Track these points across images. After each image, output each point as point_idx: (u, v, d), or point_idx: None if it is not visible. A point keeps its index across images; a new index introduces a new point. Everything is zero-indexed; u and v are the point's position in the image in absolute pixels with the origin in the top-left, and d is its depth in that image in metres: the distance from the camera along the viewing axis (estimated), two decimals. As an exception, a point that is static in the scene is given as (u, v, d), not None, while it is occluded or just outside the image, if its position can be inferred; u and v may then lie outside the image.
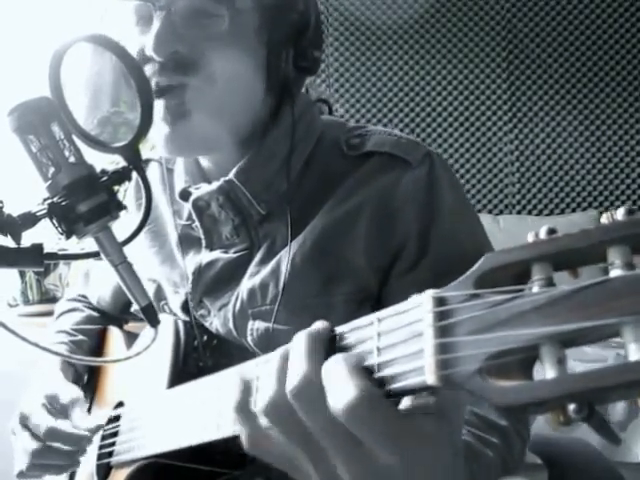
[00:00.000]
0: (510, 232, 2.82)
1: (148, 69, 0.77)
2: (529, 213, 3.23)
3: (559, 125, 3.24)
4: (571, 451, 0.96)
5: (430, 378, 0.38)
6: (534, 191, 3.25)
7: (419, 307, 0.40)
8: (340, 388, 0.42)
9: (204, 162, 0.90)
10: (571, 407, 0.33)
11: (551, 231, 0.36)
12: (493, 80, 3.28)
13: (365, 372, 0.42)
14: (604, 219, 0.34)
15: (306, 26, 0.82)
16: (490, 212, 3.21)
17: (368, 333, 0.44)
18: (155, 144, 0.83)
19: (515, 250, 0.36)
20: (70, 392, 0.94)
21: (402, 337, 0.41)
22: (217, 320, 0.88)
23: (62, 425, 0.88)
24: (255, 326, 0.83)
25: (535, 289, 0.35)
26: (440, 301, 0.39)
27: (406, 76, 3.31)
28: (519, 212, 3.23)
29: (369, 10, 3.31)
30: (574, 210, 3.21)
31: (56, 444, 0.88)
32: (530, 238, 0.36)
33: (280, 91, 0.85)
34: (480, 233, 0.85)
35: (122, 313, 1.16)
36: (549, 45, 3.28)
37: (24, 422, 0.90)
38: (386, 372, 0.42)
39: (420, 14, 3.29)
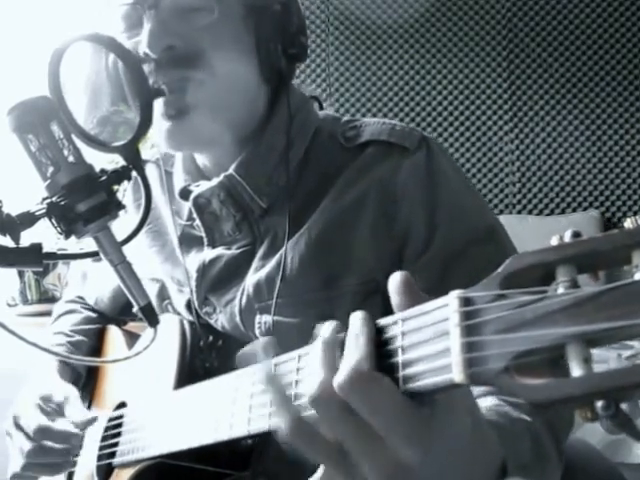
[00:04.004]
0: (510, 232, 2.81)
1: (144, 70, 0.77)
2: (529, 213, 3.23)
3: (560, 125, 3.24)
4: (572, 451, 0.95)
5: (457, 376, 0.38)
6: (535, 191, 3.24)
7: (445, 307, 0.41)
8: (342, 364, 0.43)
9: (202, 161, 0.90)
10: (599, 404, 0.34)
11: (576, 234, 0.37)
12: (493, 80, 3.28)
13: (368, 349, 0.43)
14: (628, 223, 0.35)
15: (289, 13, 0.83)
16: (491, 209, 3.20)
17: (392, 332, 0.44)
18: (155, 141, 0.83)
19: (540, 252, 0.37)
20: (64, 390, 0.94)
21: (427, 336, 0.41)
22: (223, 316, 0.87)
23: (53, 423, 0.88)
24: (263, 320, 0.83)
25: (560, 290, 0.36)
26: (466, 301, 0.40)
27: (406, 76, 3.30)
28: (519, 212, 3.23)
29: (369, 10, 3.31)
30: (575, 210, 3.21)
31: (48, 443, 0.88)
32: (555, 241, 0.37)
33: (274, 81, 0.86)
34: (486, 208, 0.87)
35: (120, 314, 1.15)
36: (549, 45, 3.27)
37: (17, 422, 0.91)
38: (410, 370, 0.42)
39: (420, 14, 3.29)
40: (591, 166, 3.23)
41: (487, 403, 0.63)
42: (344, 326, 0.48)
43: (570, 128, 3.23)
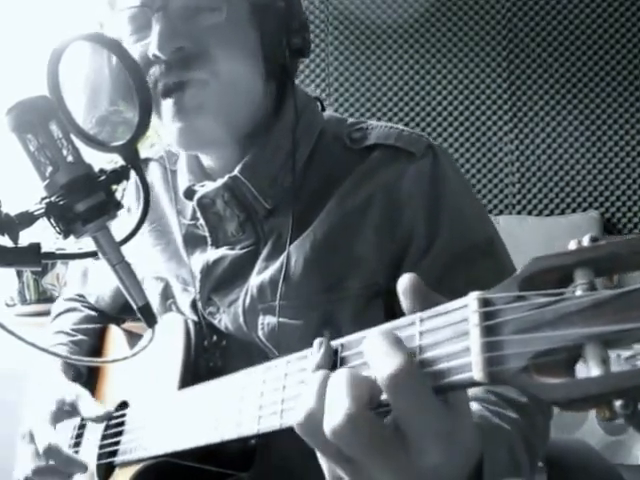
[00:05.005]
0: (510, 232, 2.82)
1: (153, 72, 0.78)
2: (529, 213, 3.22)
3: (559, 125, 3.24)
4: (571, 452, 0.96)
5: (478, 375, 0.39)
6: (534, 191, 3.24)
7: (464, 308, 0.42)
8: (383, 360, 0.43)
9: (206, 161, 0.91)
10: (618, 403, 0.35)
11: (594, 239, 0.38)
12: (493, 80, 3.28)
13: (404, 345, 0.44)
14: None
15: (292, 8, 0.84)
16: (490, 212, 3.20)
17: (410, 332, 0.45)
18: (155, 140, 0.83)
19: (559, 255, 0.38)
20: (74, 389, 0.95)
21: (446, 336, 0.42)
22: (226, 316, 0.88)
23: (61, 444, 0.89)
24: (266, 321, 0.83)
25: (578, 293, 0.37)
26: (486, 302, 0.40)
27: (406, 76, 3.30)
28: (519, 212, 3.23)
29: (369, 10, 3.31)
30: (574, 211, 3.21)
31: (54, 463, 0.88)
32: (573, 245, 0.38)
33: (279, 78, 0.86)
34: (487, 219, 0.87)
35: (121, 313, 1.15)
36: (549, 45, 3.27)
37: (32, 434, 0.91)
38: (429, 369, 0.43)
39: (420, 14, 3.29)
40: (591, 167, 3.23)
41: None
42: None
43: (570, 128, 3.23)
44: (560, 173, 3.23)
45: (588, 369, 0.35)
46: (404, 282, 0.46)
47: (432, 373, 0.42)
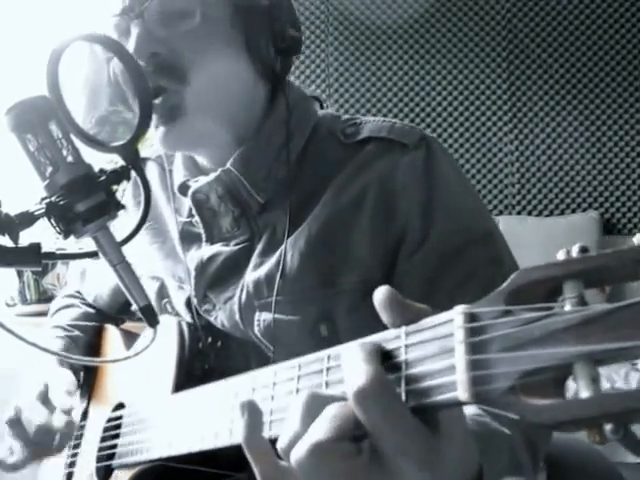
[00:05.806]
0: (510, 233, 2.81)
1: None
2: (529, 214, 3.23)
3: (559, 125, 3.24)
4: (571, 451, 0.95)
5: (463, 395, 0.38)
6: (534, 192, 3.25)
7: (450, 322, 0.40)
8: (352, 373, 0.41)
9: (200, 159, 0.91)
10: (608, 427, 0.33)
11: (583, 249, 0.36)
12: (493, 80, 3.28)
13: (378, 357, 0.42)
14: (637, 239, 0.35)
15: (278, 7, 0.84)
16: (490, 212, 3.20)
17: (396, 345, 0.43)
18: (154, 141, 0.84)
19: (547, 267, 0.37)
20: (60, 376, 0.96)
21: (432, 352, 0.41)
22: (222, 314, 0.87)
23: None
24: (262, 317, 0.83)
25: (567, 307, 0.35)
26: (471, 317, 0.39)
27: (406, 76, 3.30)
28: (519, 213, 3.23)
29: (369, 10, 3.31)
30: (574, 211, 3.21)
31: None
32: (561, 255, 0.37)
33: (270, 78, 0.86)
34: (484, 212, 0.86)
35: (119, 313, 1.15)
36: (549, 45, 3.28)
37: (44, 398, 0.92)
38: (414, 386, 0.41)
39: (420, 14, 3.29)
40: (591, 167, 3.23)
41: (467, 411, 0.62)
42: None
43: (570, 128, 3.23)
44: (560, 173, 3.24)
45: (577, 389, 0.34)
46: (379, 295, 0.44)
47: (416, 391, 0.41)
